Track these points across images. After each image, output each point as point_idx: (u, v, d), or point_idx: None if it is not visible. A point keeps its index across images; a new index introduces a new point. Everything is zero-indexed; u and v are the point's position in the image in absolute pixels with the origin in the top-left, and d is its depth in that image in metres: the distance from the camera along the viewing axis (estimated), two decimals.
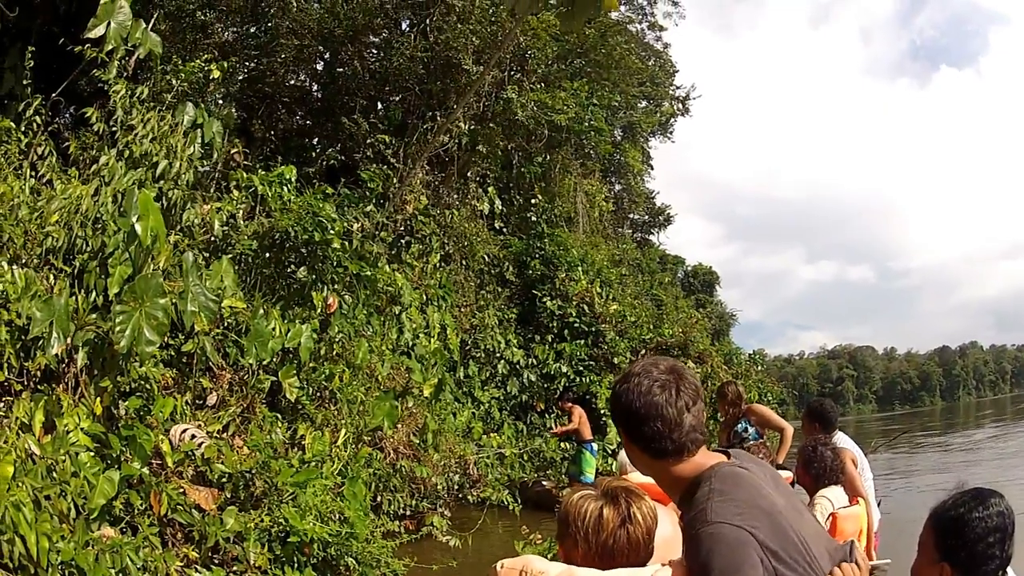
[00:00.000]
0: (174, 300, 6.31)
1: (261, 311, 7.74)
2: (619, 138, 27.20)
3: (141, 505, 5.57)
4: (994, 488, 2.38)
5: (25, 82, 7.28)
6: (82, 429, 5.44)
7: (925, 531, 2.38)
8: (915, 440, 31.03)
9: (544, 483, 13.44)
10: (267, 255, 8.72)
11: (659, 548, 4.23)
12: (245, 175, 8.82)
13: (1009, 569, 2.27)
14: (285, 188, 8.93)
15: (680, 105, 29.86)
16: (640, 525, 1.85)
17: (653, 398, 2.10)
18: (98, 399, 5.80)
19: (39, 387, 5.62)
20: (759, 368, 22.31)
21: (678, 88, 29.97)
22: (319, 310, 8.68)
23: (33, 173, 6.84)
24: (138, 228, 6.00)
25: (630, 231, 30.83)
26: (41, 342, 5.44)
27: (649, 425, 2.09)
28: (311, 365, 8.49)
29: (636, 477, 4.59)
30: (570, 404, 12.61)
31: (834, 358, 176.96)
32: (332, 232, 8.68)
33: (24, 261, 5.95)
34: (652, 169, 32.30)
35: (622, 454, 4.93)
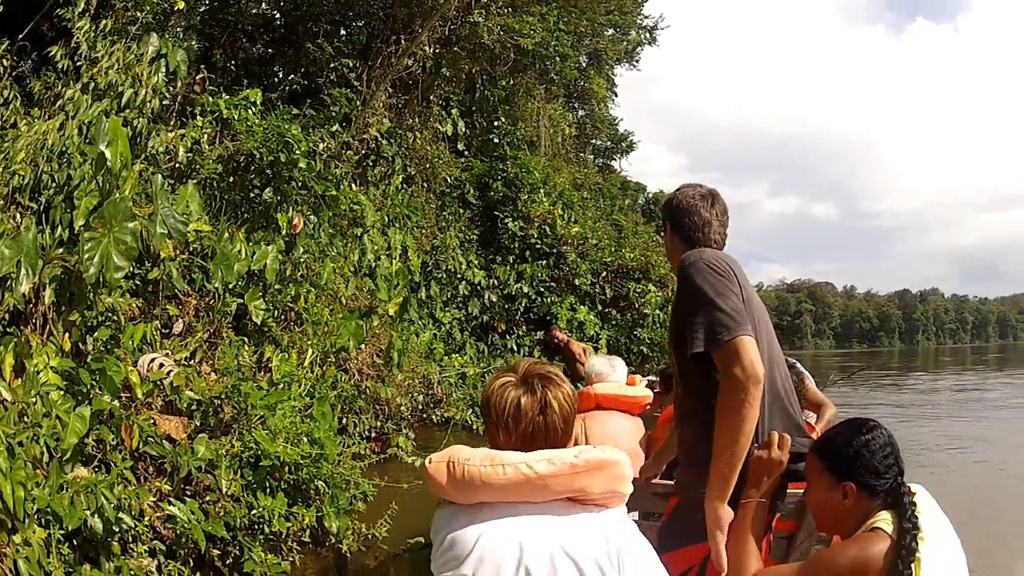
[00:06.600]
0: (144, 225, 6.26)
1: (227, 234, 7.71)
2: (584, 65, 26.84)
3: (113, 440, 5.50)
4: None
5: None
6: (51, 367, 5.37)
7: (811, 463, 2.45)
8: (879, 381, 31.30)
9: None
10: (232, 179, 8.61)
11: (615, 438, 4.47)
12: (211, 99, 8.66)
13: (914, 487, 2.34)
14: (250, 111, 8.80)
15: (647, 34, 29.54)
16: (556, 412, 1.97)
17: (695, 201, 2.94)
18: (66, 335, 5.75)
19: (7, 330, 5.53)
20: None
21: (646, 18, 29.64)
22: (284, 231, 8.66)
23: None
24: (107, 153, 5.89)
25: (592, 156, 30.69)
26: (9, 282, 5.35)
27: (690, 218, 2.92)
28: (276, 287, 8.50)
29: (603, 388, 4.92)
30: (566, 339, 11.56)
31: (793, 292, 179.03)
32: (298, 152, 8.60)
33: None
34: (616, 96, 32.16)
35: (591, 363, 5.19)
